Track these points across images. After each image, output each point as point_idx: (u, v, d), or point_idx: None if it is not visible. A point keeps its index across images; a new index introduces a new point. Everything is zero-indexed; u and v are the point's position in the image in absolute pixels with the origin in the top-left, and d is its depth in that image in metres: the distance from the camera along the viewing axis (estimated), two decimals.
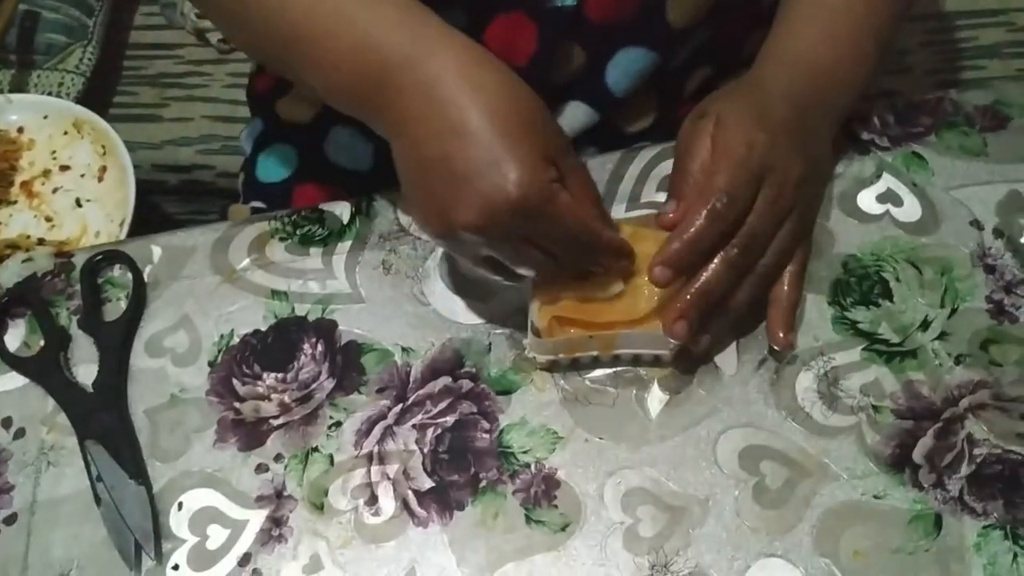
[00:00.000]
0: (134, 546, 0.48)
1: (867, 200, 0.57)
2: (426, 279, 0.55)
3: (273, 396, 0.52)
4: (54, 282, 0.57)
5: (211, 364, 0.53)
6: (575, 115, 0.62)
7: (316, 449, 0.50)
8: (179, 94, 0.97)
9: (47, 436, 0.52)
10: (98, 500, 0.49)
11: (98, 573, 0.48)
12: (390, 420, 0.51)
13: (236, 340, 0.54)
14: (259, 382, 0.52)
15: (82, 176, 0.87)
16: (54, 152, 0.88)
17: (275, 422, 0.51)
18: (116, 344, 0.54)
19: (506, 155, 0.43)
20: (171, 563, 0.48)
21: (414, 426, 0.50)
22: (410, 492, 0.49)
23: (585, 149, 0.64)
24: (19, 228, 0.85)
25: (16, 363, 0.54)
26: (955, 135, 0.59)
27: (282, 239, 0.57)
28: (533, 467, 0.49)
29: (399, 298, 0.54)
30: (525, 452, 0.49)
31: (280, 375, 0.52)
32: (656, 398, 0.51)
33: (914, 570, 0.46)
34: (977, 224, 0.55)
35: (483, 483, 0.49)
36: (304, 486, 0.49)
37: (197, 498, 0.49)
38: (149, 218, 0.86)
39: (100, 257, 0.57)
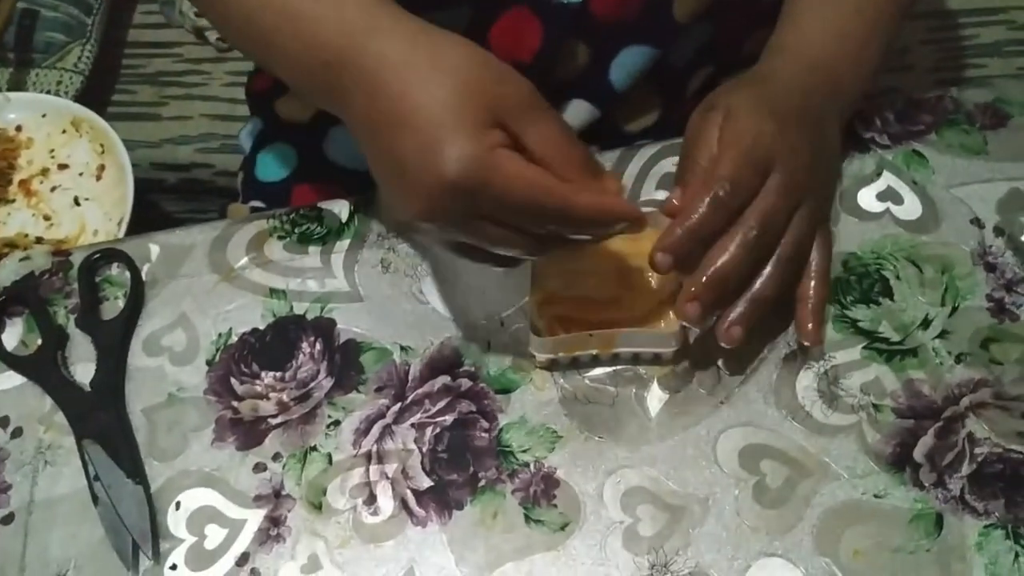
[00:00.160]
0: (132, 546, 0.47)
1: (867, 198, 0.57)
2: (425, 277, 0.55)
3: (271, 395, 0.52)
4: (52, 281, 0.56)
5: (209, 363, 0.53)
6: (577, 112, 0.62)
7: (314, 448, 0.50)
8: (178, 92, 0.97)
9: (44, 435, 0.51)
10: (95, 499, 0.49)
11: (96, 573, 0.48)
12: (389, 419, 0.51)
13: (234, 339, 0.54)
14: (257, 381, 0.52)
15: (80, 175, 0.87)
16: (52, 151, 0.88)
17: (273, 421, 0.51)
18: (114, 343, 0.53)
19: (436, 134, 0.40)
20: (169, 563, 0.47)
21: (413, 425, 0.50)
22: (409, 491, 0.48)
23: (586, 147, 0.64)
24: (17, 227, 0.85)
25: (13, 362, 0.53)
26: (956, 133, 0.59)
27: (280, 237, 0.57)
28: (532, 466, 0.49)
29: (398, 296, 0.54)
30: (524, 451, 0.49)
31: (278, 374, 0.52)
32: (656, 397, 0.50)
33: (915, 570, 0.45)
34: (978, 222, 0.55)
35: (482, 482, 0.49)
36: (302, 485, 0.49)
37: (195, 497, 0.49)
38: (148, 217, 0.86)
39: (98, 256, 0.57)
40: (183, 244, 0.57)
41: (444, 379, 0.51)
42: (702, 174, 0.48)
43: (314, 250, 0.57)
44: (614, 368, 0.51)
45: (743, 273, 0.47)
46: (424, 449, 0.49)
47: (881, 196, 0.57)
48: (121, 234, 0.80)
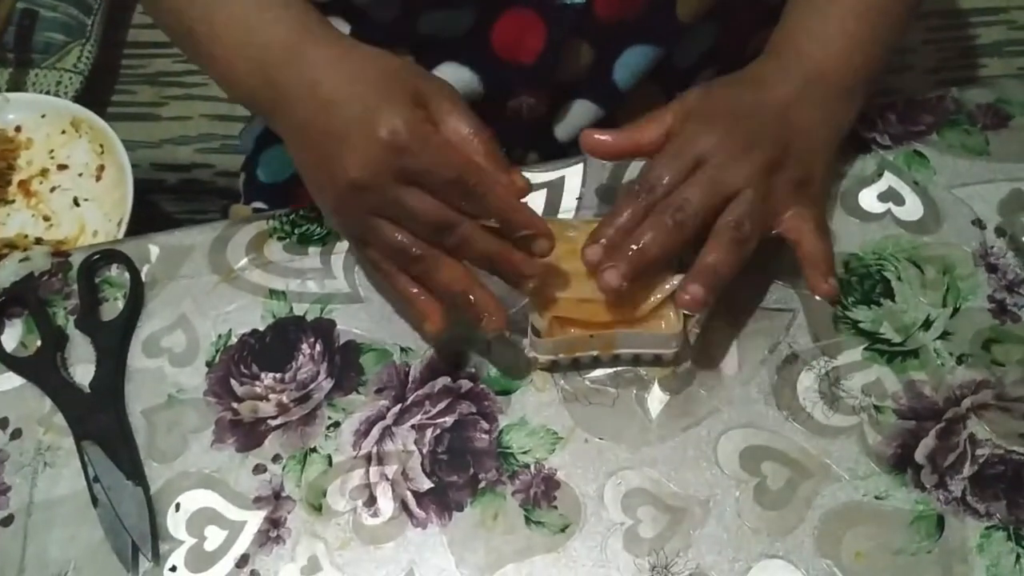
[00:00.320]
0: (131, 547, 0.47)
1: (868, 199, 0.56)
2: None
3: (271, 396, 0.52)
4: (51, 282, 0.56)
5: (209, 364, 0.53)
6: (581, 112, 0.62)
7: (314, 450, 0.50)
8: (178, 93, 0.97)
9: (44, 437, 0.51)
10: (95, 501, 0.49)
11: (95, 574, 0.47)
12: (389, 420, 0.50)
13: (234, 340, 0.54)
14: (257, 382, 0.52)
15: (80, 175, 0.87)
16: (52, 151, 0.88)
17: (273, 422, 0.51)
18: (113, 344, 0.53)
19: (371, 104, 0.45)
20: (168, 564, 0.47)
21: (413, 426, 0.50)
22: (409, 493, 0.48)
23: None
24: (17, 227, 0.85)
25: (13, 363, 0.53)
26: (957, 133, 0.59)
27: (280, 238, 0.57)
28: (533, 468, 0.49)
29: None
30: (525, 452, 0.49)
31: (278, 375, 0.52)
32: (656, 398, 0.50)
33: (916, 571, 0.45)
34: (979, 223, 0.55)
35: (482, 484, 0.48)
36: (302, 487, 0.49)
37: (195, 499, 0.49)
38: (148, 217, 0.85)
39: (97, 256, 0.56)
40: (183, 245, 0.57)
41: (444, 380, 0.51)
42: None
43: (314, 251, 0.56)
44: (615, 369, 0.51)
45: (655, 237, 0.47)
46: (424, 450, 0.49)
47: (882, 197, 0.56)
48: (121, 235, 0.80)
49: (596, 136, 0.52)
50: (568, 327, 0.49)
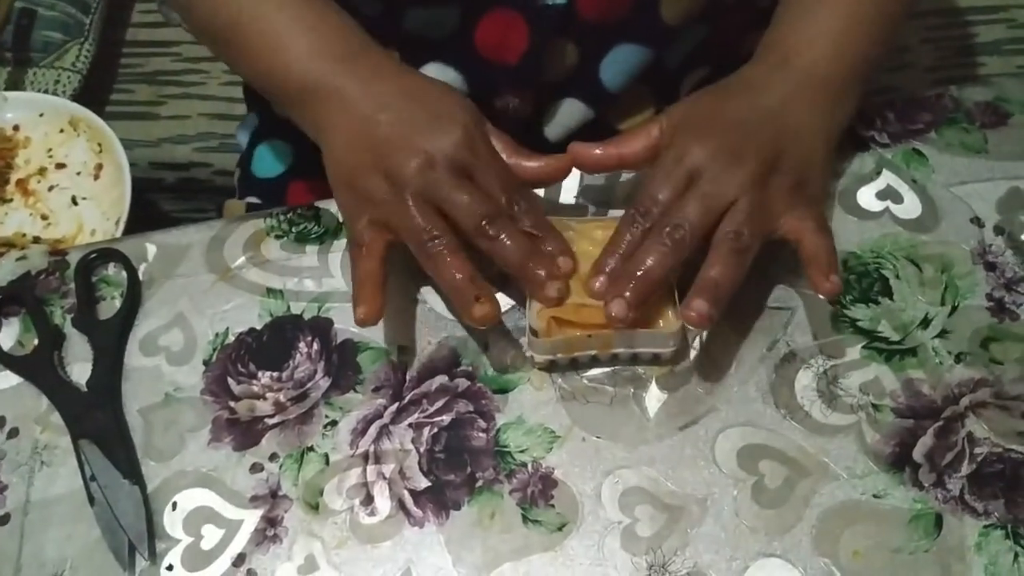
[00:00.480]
0: (128, 546, 0.47)
1: (867, 197, 0.56)
2: (423, 277, 0.55)
3: (268, 395, 0.51)
4: (48, 280, 0.56)
5: (206, 363, 0.53)
6: (570, 112, 0.62)
7: (311, 448, 0.50)
8: (176, 92, 0.97)
9: (41, 435, 0.51)
10: (92, 500, 0.49)
11: (92, 573, 0.47)
12: (386, 419, 0.50)
13: (231, 339, 0.53)
14: (254, 381, 0.52)
15: (78, 174, 0.87)
16: (50, 150, 0.88)
17: (270, 421, 0.51)
18: (110, 343, 0.53)
19: (459, 98, 0.52)
20: (165, 563, 0.47)
21: (410, 425, 0.50)
22: (406, 492, 0.48)
23: None
24: (15, 226, 0.85)
25: (10, 362, 0.53)
26: (955, 132, 0.59)
27: (278, 237, 0.57)
28: (530, 466, 0.49)
29: (395, 296, 0.54)
30: (522, 451, 0.49)
31: (275, 374, 0.52)
32: (654, 397, 0.50)
33: (914, 570, 0.45)
34: (977, 221, 0.55)
35: (480, 483, 0.48)
36: (299, 486, 0.49)
37: (191, 498, 0.49)
38: (146, 216, 0.86)
39: (94, 255, 0.56)
40: (180, 244, 0.57)
41: (442, 379, 0.51)
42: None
43: (311, 249, 0.56)
44: (612, 368, 0.51)
45: (658, 261, 0.47)
46: (421, 449, 0.49)
47: (880, 195, 0.56)
48: (119, 233, 0.80)
49: (581, 149, 0.52)
50: (566, 327, 0.49)
